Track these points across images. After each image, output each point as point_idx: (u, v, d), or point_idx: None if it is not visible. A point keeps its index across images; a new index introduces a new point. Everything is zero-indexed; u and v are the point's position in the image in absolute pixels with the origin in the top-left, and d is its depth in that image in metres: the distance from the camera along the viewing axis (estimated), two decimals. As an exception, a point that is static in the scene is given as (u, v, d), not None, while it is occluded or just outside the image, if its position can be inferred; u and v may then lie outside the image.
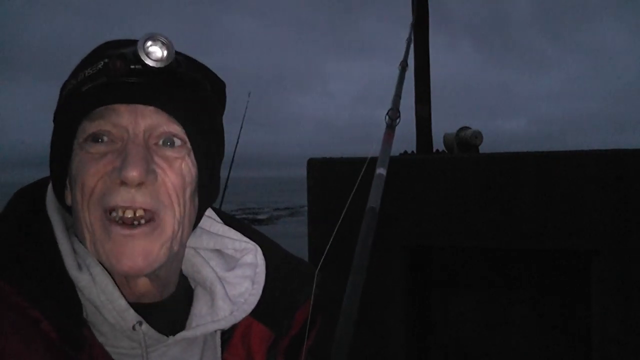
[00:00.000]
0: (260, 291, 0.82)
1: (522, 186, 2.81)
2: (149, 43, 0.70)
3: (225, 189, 2.30)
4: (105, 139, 0.71)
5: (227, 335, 0.81)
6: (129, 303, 0.73)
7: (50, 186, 0.78)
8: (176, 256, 0.77)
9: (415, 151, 3.66)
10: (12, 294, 0.67)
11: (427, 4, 3.57)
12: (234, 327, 0.81)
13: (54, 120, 0.76)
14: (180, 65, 0.73)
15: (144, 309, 0.74)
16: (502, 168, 2.87)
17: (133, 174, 0.67)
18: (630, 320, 2.61)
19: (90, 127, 0.71)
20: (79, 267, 0.72)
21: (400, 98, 2.33)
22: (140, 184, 0.69)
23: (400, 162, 3.11)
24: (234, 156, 2.44)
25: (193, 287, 0.84)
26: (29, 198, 0.78)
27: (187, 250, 0.82)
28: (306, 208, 3.27)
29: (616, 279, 2.64)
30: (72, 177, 0.72)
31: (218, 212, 0.89)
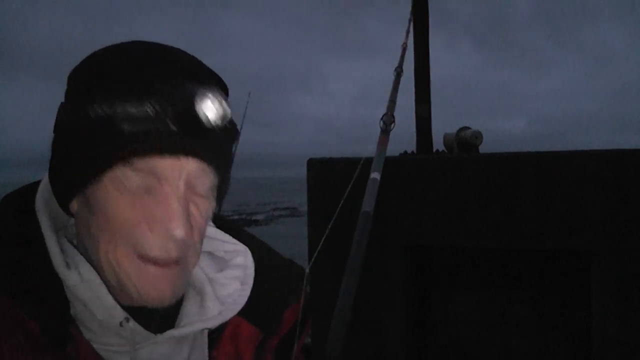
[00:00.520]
0: (249, 292, 0.85)
1: (522, 186, 2.81)
2: (208, 103, 0.69)
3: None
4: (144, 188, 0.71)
5: (215, 334, 0.83)
6: (123, 307, 0.74)
7: (40, 189, 0.78)
8: None
9: (415, 151, 3.66)
10: None
11: (427, 4, 3.57)
12: (222, 326, 0.83)
13: (64, 127, 0.73)
14: (226, 117, 0.73)
15: (135, 308, 0.76)
16: (502, 168, 2.87)
17: (180, 234, 0.70)
18: (630, 320, 2.61)
19: (131, 176, 0.70)
20: (67, 266, 0.73)
21: (395, 104, 2.34)
22: None
23: (400, 162, 3.11)
24: (233, 156, 2.44)
25: None
26: (17, 201, 0.78)
27: None
28: (306, 208, 3.27)
29: (616, 279, 2.64)
30: (92, 202, 0.72)
31: None
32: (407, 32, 2.97)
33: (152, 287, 0.72)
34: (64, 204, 0.75)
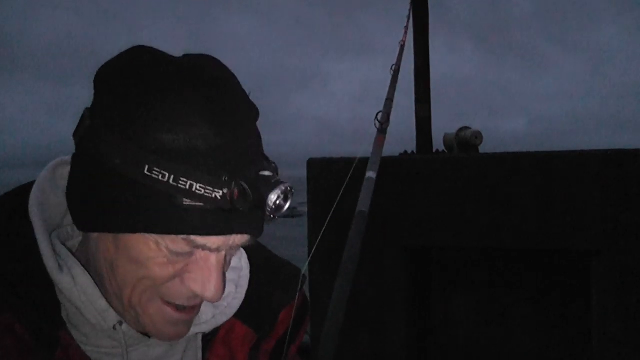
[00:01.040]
0: (243, 295, 0.84)
1: (522, 186, 2.81)
2: (279, 197, 0.66)
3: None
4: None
5: (210, 336, 0.83)
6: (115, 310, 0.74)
7: (34, 189, 0.76)
8: None
9: (415, 151, 3.66)
10: None
11: (427, 3, 3.56)
12: (216, 329, 0.82)
13: (102, 155, 0.65)
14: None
15: None
16: (502, 168, 2.86)
17: (215, 298, 0.70)
18: (630, 320, 2.61)
19: (177, 241, 0.67)
20: (60, 269, 0.72)
21: (392, 102, 2.33)
22: None
23: (400, 163, 3.11)
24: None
25: None
26: (10, 203, 0.76)
27: None
28: (306, 208, 3.27)
29: (616, 279, 2.64)
30: (122, 245, 0.69)
31: None
32: (406, 29, 2.96)
33: (172, 328, 0.73)
34: (83, 227, 0.71)
